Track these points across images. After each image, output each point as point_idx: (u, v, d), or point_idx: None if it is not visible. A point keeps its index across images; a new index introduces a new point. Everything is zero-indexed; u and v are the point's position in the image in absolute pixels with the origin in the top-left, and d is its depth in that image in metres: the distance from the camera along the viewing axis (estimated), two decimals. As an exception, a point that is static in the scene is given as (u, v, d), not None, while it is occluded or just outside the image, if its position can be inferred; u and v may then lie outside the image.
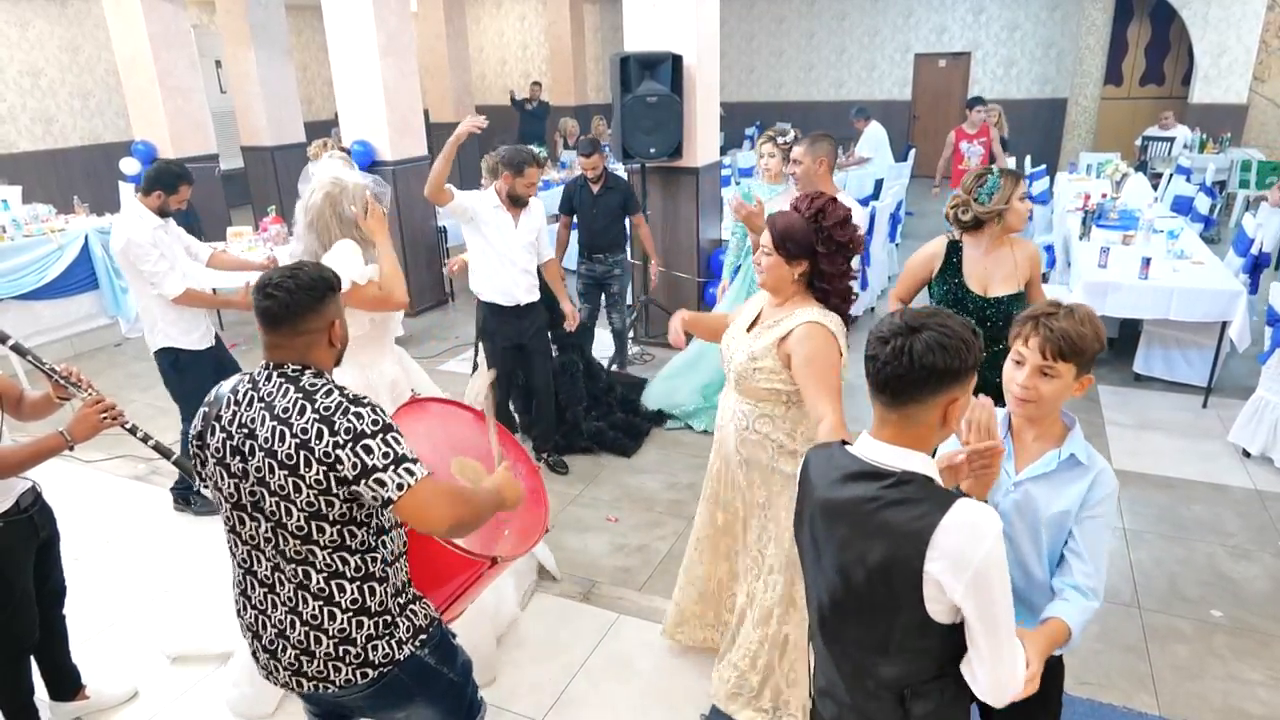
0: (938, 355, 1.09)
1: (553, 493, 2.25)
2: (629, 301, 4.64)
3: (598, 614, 2.67)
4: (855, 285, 1.96)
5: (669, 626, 2.42)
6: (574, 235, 4.38)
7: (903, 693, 1.18)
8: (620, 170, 5.27)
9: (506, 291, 3.32)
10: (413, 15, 6.52)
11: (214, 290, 3.35)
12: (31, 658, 2.11)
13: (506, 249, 3.28)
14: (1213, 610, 2.63)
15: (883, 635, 1.16)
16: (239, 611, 1.51)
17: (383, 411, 1.37)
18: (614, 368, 4.50)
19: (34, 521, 2.00)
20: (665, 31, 4.64)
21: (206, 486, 1.49)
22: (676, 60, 4.55)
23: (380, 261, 2.22)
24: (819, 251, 1.83)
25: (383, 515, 1.42)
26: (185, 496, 3.40)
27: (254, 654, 1.51)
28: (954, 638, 1.15)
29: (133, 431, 1.92)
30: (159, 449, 1.99)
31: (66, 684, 2.26)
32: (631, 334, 4.83)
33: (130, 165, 6.36)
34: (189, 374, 3.13)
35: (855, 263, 1.95)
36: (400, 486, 1.31)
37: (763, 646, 2.07)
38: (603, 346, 4.56)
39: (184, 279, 3.06)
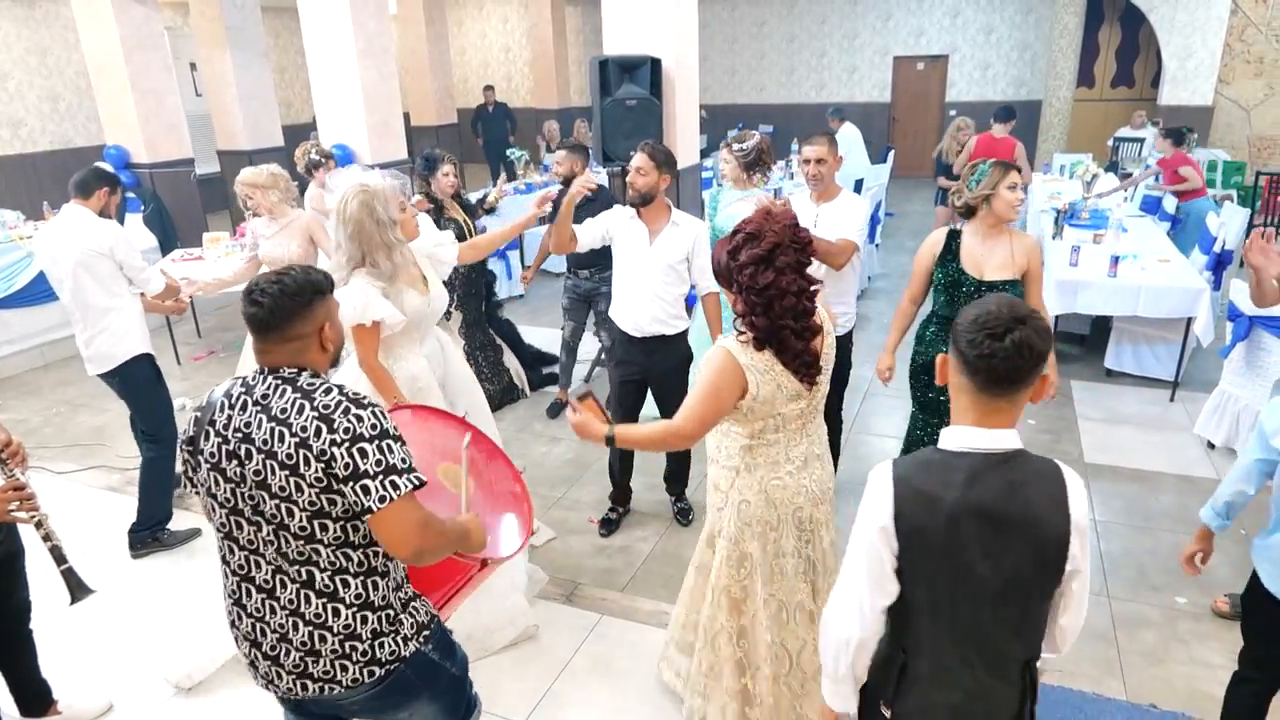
0: (1045, 340, 1.16)
1: (535, 495, 2.26)
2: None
3: (580, 615, 2.69)
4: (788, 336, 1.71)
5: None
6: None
7: (1026, 665, 1.25)
8: (601, 174, 5.28)
9: (631, 318, 2.90)
10: (392, 18, 6.50)
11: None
12: None
13: (635, 270, 2.84)
14: (1177, 597, 2.70)
15: (1021, 616, 1.22)
16: (233, 622, 1.50)
17: (383, 414, 1.38)
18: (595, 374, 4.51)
19: None
20: (644, 35, 4.68)
21: (197, 493, 1.49)
22: (655, 64, 4.59)
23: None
24: (735, 283, 1.73)
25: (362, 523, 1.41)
26: (146, 540, 3.14)
27: (252, 663, 1.50)
28: (1050, 603, 1.26)
29: (37, 526, 1.88)
30: (55, 553, 1.91)
31: (37, 700, 2.23)
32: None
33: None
34: (159, 377, 3.13)
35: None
36: (383, 499, 1.32)
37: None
38: (588, 349, 4.57)
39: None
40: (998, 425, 1.19)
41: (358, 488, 1.32)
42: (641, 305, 2.90)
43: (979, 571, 1.18)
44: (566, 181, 4.10)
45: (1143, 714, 2.21)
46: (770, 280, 1.68)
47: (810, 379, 1.77)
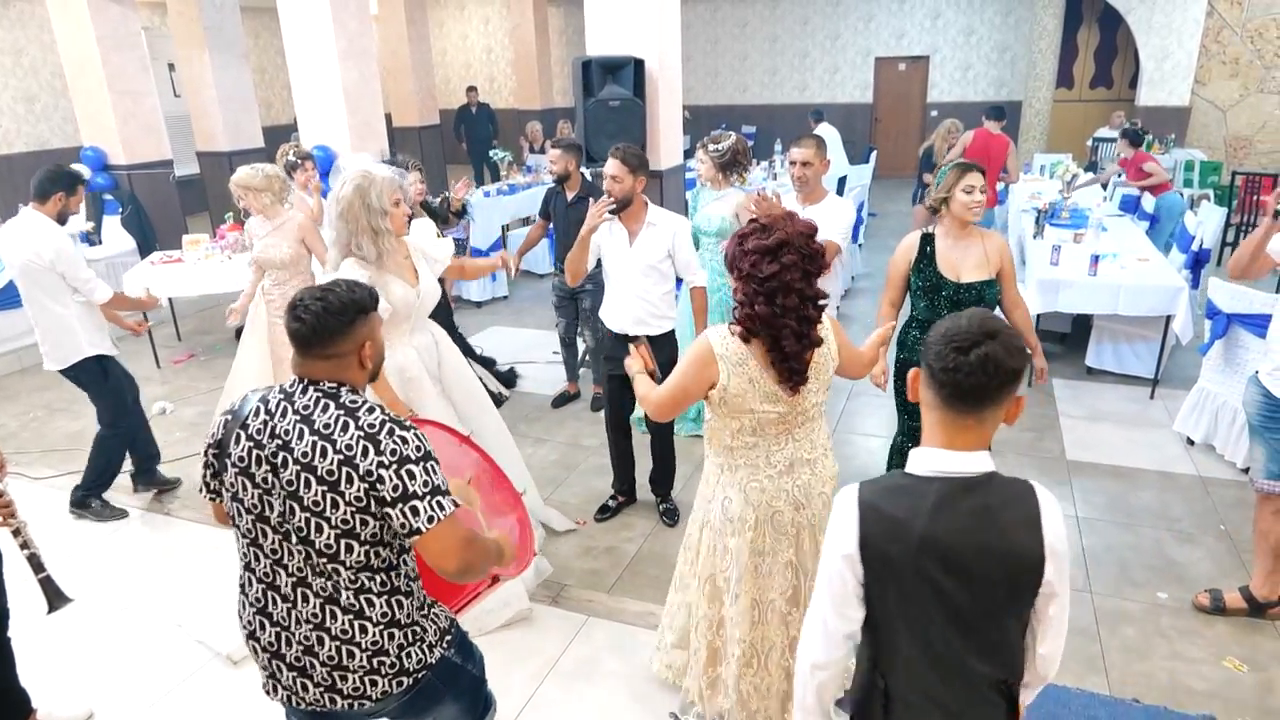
0: (1017, 359, 1.11)
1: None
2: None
3: (567, 616, 2.68)
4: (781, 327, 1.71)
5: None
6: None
7: (1002, 685, 1.20)
8: (585, 175, 5.27)
9: (618, 319, 2.96)
10: (373, 18, 6.45)
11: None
12: None
13: (618, 272, 2.90)
14: (1159, 593, 2.74)
15: (993, 639, 1.18)
16: (253, 631, 1.47)
17: (424, 437, 1.39)
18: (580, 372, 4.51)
19: None
20: (627, 36, 4.68)
21: (213, 498, 1.48)
22: (639, 64, 4.59)
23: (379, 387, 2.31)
24: (737, 270, 1.75)
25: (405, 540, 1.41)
26: (85, 501, 3.34)
27: (272, 674, 1.46)
28: (1023, 625, 1.23)
29: (15, 534, 1.91)
30: (33, 561, 1.96)
31: (15, 708, 2.19)
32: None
33: (81, 172, 6.19)
34: (114, 370, 3.25)
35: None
36: (431, 519, 1.33)
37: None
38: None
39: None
40: (967, 446, 1.15)
41: (406, 509, 1.32)
42: (626, 306, 2.93)
43: (948, 598, 1.14)
44: (560, 180, 4.08)
45: (1125, 708, 2.23)
46: (774, 271, 1.68)
47: (791, 384, 1.76)
